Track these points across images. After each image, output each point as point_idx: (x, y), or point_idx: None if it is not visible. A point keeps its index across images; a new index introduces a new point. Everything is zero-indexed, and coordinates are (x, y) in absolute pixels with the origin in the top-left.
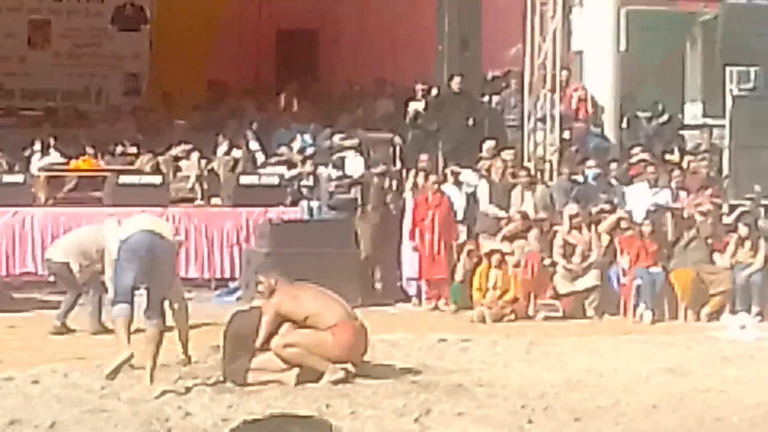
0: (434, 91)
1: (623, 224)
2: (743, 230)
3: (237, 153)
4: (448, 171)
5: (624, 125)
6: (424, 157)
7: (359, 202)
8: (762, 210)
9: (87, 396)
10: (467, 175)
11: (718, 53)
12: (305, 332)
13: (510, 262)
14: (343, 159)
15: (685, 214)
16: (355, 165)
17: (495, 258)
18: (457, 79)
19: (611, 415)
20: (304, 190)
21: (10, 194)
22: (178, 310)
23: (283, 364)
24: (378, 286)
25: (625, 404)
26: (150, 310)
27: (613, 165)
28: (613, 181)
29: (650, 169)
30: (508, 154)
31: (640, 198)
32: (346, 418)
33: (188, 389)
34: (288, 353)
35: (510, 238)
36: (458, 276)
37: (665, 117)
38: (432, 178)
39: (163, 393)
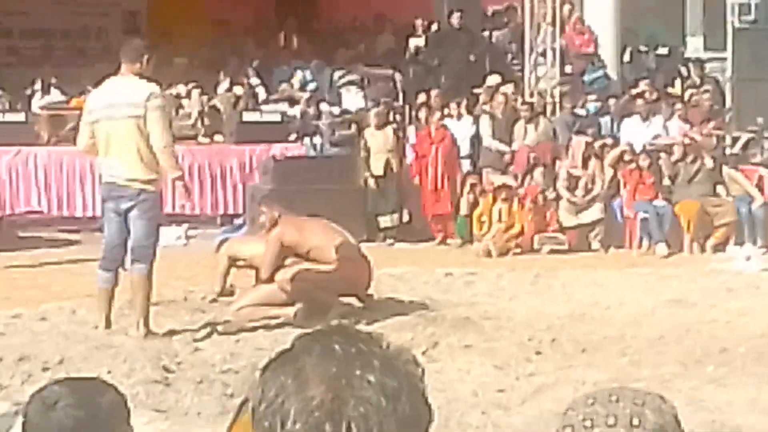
0: (434, 27)
1: (626, 157)
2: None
3: (238, 90)
4: (450, 107)
5: (626, 59)
6: (431, 93)
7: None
8: (765, 141)
9: (95, 332)
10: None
11: None
12: (310, 265)
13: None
14: (342, 95)
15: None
16: (355, 100)
17: (501, 192)
18: (457, 15)
19: (617, 346)
20: (307, 127)
21: (12, 133)
22: None
23: (285, 298)
24: None
25: (630, 336)
26: (135, 253)
27: (612, 100)
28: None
29: (639, 102)
30: (508, 88)
31: (634, 131)
32: None
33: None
34: (293, 287)
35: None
36: (463, 210)
37: (666, 50)
38: (435, 113)
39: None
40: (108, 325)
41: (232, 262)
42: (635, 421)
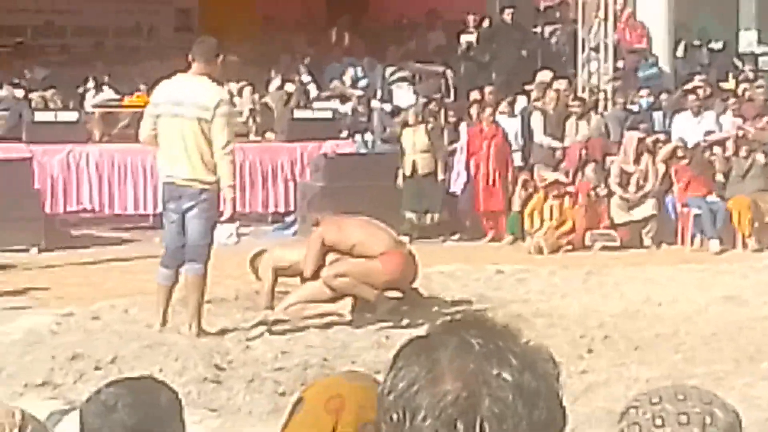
0: (486, 23)
1: (679, 153)
2: None
3: (290, 87)
4: (503, 103)
5: (679, 54)
6: (484, 89)
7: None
8: None
9: (147, 331)
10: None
11: None
12: (355, 261)
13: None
14: (394, 92)
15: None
16: (406, 97)
17: (553, 189)
18: (508, 11)
19: (671, 343)
20: (358, 124)
21: (64, 132)
22: None
23: (331, 294)
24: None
25: (684, 333)
26: (191, 253)
27: (664, 96)
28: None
29: (692, 97)
30: (561, 84)
31: (687, 127)
32: None
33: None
34: (338, 282)
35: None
36: (515, 206)
37: (719, 44)
38: (487, 110)
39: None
40: (164, 322)
41: (278, 273)
42: (707, 420)
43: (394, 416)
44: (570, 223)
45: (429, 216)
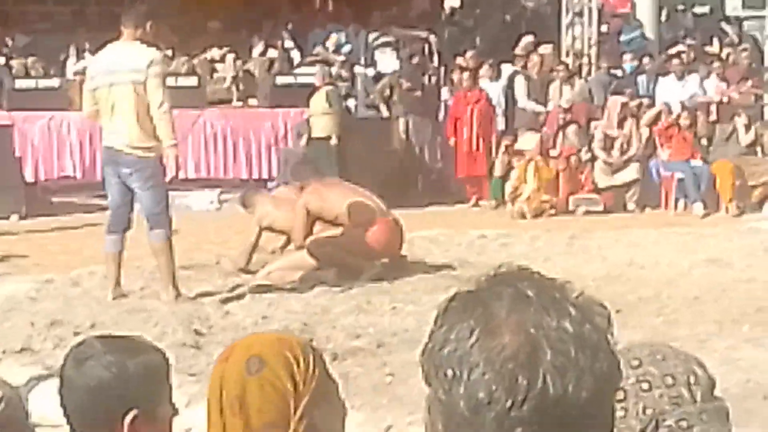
0: None
1: (663, 117)
2: None
3: (273, 53)
4: (485, 67)
5: (664, 18)
6: (467, 54)
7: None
8: None
9: (126, 297)
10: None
11: None
12: (339, 231)
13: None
14: (378, 57)
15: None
16: (390, 63)
17: (535, 155)
18: None
19: (653, 306)
20: (342, 90)
21: (46, 99)
22: None
23: (315, 263)
24: (417, 183)
25: (666, 296)
26: (150, 222)
27: (646, 59)
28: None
29: (675, 61)
30: (545, 49)
31: (671, 91)
32: (386, 314)
33: (228, 290)
34: (322, 252)
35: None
36: (497, 171)
37: (704, 9)
38: (466, 74)
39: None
40: (118, 288)
41: (263, 230)
42: (691, 379)
43: (449, 371)
44: (553, 188)
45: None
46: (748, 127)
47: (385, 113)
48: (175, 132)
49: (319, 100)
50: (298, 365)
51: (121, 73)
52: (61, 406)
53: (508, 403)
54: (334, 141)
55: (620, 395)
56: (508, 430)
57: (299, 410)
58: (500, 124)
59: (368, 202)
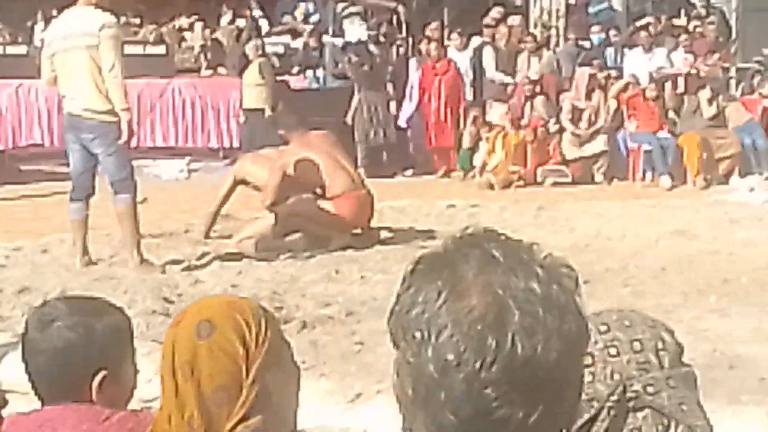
0: None
1: (630, 89)
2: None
3: (241, 22)
4: (454, 37)
5: None
6: (431, 25)
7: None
8: None
9: (96, 265)
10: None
11: None
12: (309, 200)
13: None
14: (346, 27)
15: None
16: (358, 33)
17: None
18: None
19: (620, 277)
20: (310, 59)
21: (13, 66)
22: None
23: (285, 230)
24: (384, 154)
25: (633, 267)
26: (114, 187)
27: (613, 32)
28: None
29: (643, 34)
30: (514, 20)
31: (638, 63)
32: (355, 283)
33: (197, 258)
34: (291, 221)
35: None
36: (465, 143)
37: None
38: (433, 44)
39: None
40: (85, 255)
41: (239, 182)
42: (659, 345)
43: (417, 334)
44: (521, 159)
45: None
46: (711, 101)
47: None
48: (126, 95)
49: (252, 72)
50: (249, 329)
51: (76, 37)
52: (25, 372)
53: (477, 365)
54: (268, 112)
55: (588, 360)
56: (477, 391)
57: (251, 374)
58: (468, 95)
59: (343, 173)
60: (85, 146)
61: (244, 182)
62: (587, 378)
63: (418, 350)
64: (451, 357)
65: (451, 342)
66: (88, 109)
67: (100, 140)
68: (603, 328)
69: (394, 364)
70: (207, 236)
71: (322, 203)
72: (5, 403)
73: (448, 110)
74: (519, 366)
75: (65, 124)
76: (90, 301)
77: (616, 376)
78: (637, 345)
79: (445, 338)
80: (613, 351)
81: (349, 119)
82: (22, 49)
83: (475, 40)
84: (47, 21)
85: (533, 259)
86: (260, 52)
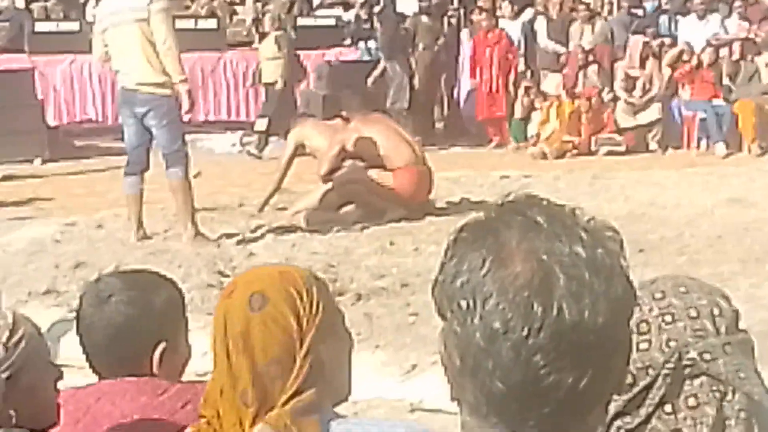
0: None
1: (685, 57)
2: None
3: None
4: (503, 6)
5: None
6: None
7: (412, 41)
8: None
9: (150, 239)
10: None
11: None
12: (367, 170)
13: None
14: None
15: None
16: (409, 4)
17: (555, 96)
18: None
19: (675, 246)
20: (362, 31)
21: (66, 42)
22: None
23: (339, 201)
24: (438, 125)
25: (689, 236)
26: (167, 160)
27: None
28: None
29: (696, 0)
30: None
31: (692, 30)
32: (409, 255)
33: (252, 231)
34: (348, 189)
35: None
36: (517, 113)
37: None
38: (487, 15)
39: (226, 235)
40: (140, 230)
41: (299, 147)
42: (715, 311)
43: (463, 303)
44: (575, 128)
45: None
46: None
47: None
48: (182, 66)
49: (268, 45)
50: (302, 300)
51: (125, 12)
52: (81, 346)
53: (524, 332)
54: (279, 86)
55: (644, 327)
56: (526, 358)
57: (304, 347)
58: (521, 65)
59: (405, 147)
60: (139, 120)
61: (302, 147)
62: (643, 345)
63: (464, 320)
64: (497, 325)
65: (498, 310)
66: (142, 83)
67: (154, 112)
68: (658, 295)
69: (440, 335)
70: (263, 208)
71: (381, 174)
72: (60, 375)
73: (500, 80)
74: (567, 331)
75: (120, 98)
76: (143, 274)
77: (672, 344)
78: (693, 312)
79: (491, 306)
80: (668, 318)
81: (369, 83)
82: (74, 25)
83: (528, 11)
84: None
85: (577, 224)
86: (277, 25)
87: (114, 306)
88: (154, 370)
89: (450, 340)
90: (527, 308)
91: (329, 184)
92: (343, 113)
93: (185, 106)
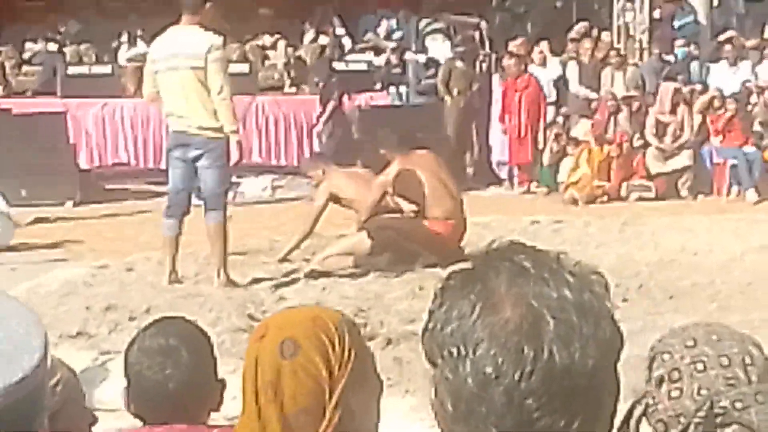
0: None
1: (716, 103)
2: None
3: (324, 40)
4: (536, 52)
5: (715, 4)
6: (514, 41)
7: (444, 86)
8: None
9: (181, 283)
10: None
11: None
12: (403, 218)
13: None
14: (429, 44)
15: None
16: (441, 49)
17: (586, 142)
18: None
19: (706, 292)
20: (393, 76)
21: (99, 86)
22: None
23: (371, 248)
24: (469, 170)
25: (720, 282)
26: (209, 203)
27: (696, 46)
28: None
29: (727, 47)
30: (606, 36)
31: (723, 77)
32: None
33: (283, 275)
34: (383, 234)
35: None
36: (545, 159)
37: None
38: (513, 60)
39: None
40: (173, 274)
41: (332, 198)
42: (747, 360)
43: (454, 350)
44: (606, 174)
45: None
46: None
47: (435, 99)
48: (235, 116)
49: None
50: (334, 348)
51: (182, 57)
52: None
53: (516, 376)
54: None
55: (675, 375)
56: (518, 402)
57: (334, 396)
58: (550, 110)
59: (447, 199)
60: (189, 163)
61: (335, 198)
62: (675, 393)
63: (456, 366)
64: (489, 370)
65: (489, 355)
66: (199, 126)
67: (208, 155)
68: (690, 342)
69: (431, 383)
70: (286, 257)
71: (416, 222)
72: (95, 420)
73: (529, 126)
74: (558, 375)
75: (171, 141)
76: (190, 323)
77: (704, 392)
78: (724, 360)
79: (482, 352)
80: (700, 366)
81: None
82: (107, 69)
83: (558, 54)
84: (131, 41)
85: (563, 268)
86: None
87: (169, 355)
88: (204, 418)
89: (442, 387)
90: (518, 353)
91: (363, 232)
92: (383, 151)
93: (234, 156)
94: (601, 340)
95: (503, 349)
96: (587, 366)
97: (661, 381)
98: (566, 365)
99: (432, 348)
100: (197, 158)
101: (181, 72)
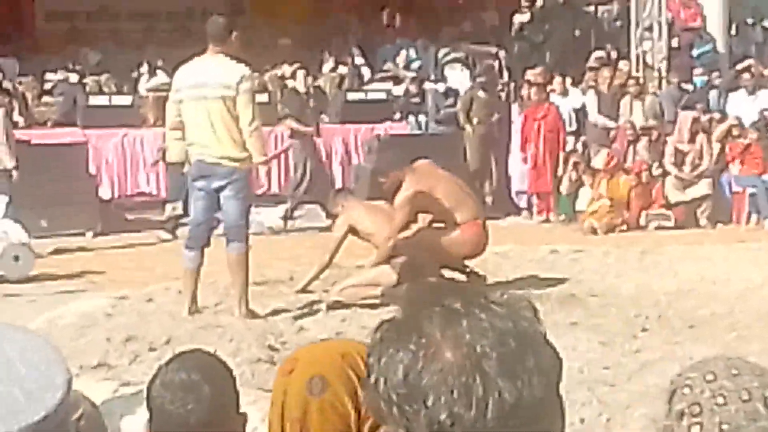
0: (539, 3)
1: (734, 132)
2: None
3: (343, 69)
4: (556, 82)
5: (733, 32)
6: (533, 70)
7: (465, 115)
8: None
9: (201, 313)
10: (573, 93)
11: None
12: (433, 233)
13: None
14: (448, 73)
15: None
16: (460, 79)
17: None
18: None
19: (725, 322)
20: (412, 105)
21: (119, 116)
22: None
23: (394, 279)
24: (488, 199)
25: (738, 311)
26: (231, 234)
27: (716, 74)
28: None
29: (746, 76)
30: (625, 65)
31: (742, 105)
32: None
33: (302, 306)
34: (410, 253)
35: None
36: (564, 188)
37: None
38: (534, 89)
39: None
40: (194, 304)
41: (351, 231)
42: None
43: (406, 406)
44: (624, 203)
45: None
46: None
47: (454, 128)
48: (266, 147)
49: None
50: (362, 386)
51: (211, 87)
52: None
53: (471, 417)
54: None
55: (695, 410)
56: None
57: None
58: (570, 139)
59: (470, 200)
60: (212, 194)
61: (354, 230)
62: (695, 428)
63: (410, 420)
64: (443, 417)
65: (441, 404)
66: (225, 156)
67: (232, 186)
68: (710, 377)
69: None
70: (304, 288)
71: (448, 232)
72: None
73: (547, 155)
74: (510, 408)
75: (195, 171)
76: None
77: (725, 426)
78: (745, 394)
79: (433, 401)
80: (720, 400)
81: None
82: (127, 99)
83: (579, 87)
84: (152, 71)
85: (492, 302)
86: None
87: (191, 390)
88: None
89: None
90: (468, 395)
91: (386, 265)
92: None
93: (261, 185)
94: (543, 366)
95: (453, 394)
96: (536, 395)
97: (681, 415)
98: (516, 399)
99: (377, 403)
100: (221, 188)
101: (210, 101)
